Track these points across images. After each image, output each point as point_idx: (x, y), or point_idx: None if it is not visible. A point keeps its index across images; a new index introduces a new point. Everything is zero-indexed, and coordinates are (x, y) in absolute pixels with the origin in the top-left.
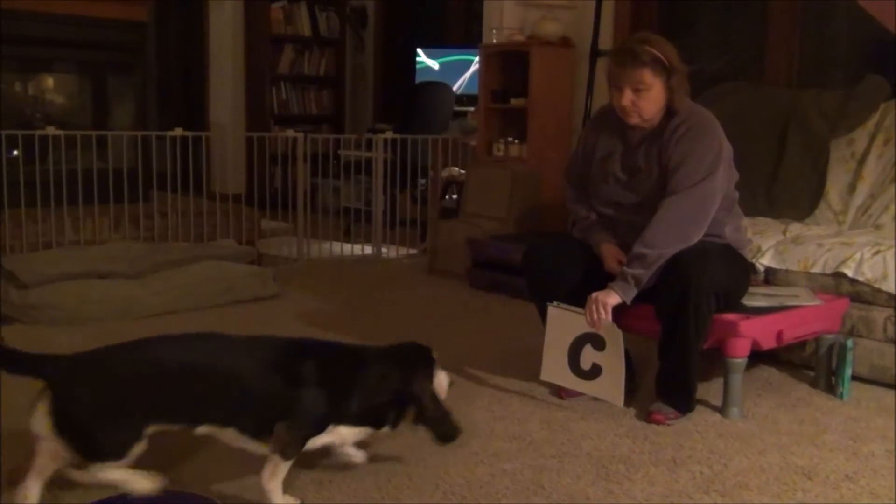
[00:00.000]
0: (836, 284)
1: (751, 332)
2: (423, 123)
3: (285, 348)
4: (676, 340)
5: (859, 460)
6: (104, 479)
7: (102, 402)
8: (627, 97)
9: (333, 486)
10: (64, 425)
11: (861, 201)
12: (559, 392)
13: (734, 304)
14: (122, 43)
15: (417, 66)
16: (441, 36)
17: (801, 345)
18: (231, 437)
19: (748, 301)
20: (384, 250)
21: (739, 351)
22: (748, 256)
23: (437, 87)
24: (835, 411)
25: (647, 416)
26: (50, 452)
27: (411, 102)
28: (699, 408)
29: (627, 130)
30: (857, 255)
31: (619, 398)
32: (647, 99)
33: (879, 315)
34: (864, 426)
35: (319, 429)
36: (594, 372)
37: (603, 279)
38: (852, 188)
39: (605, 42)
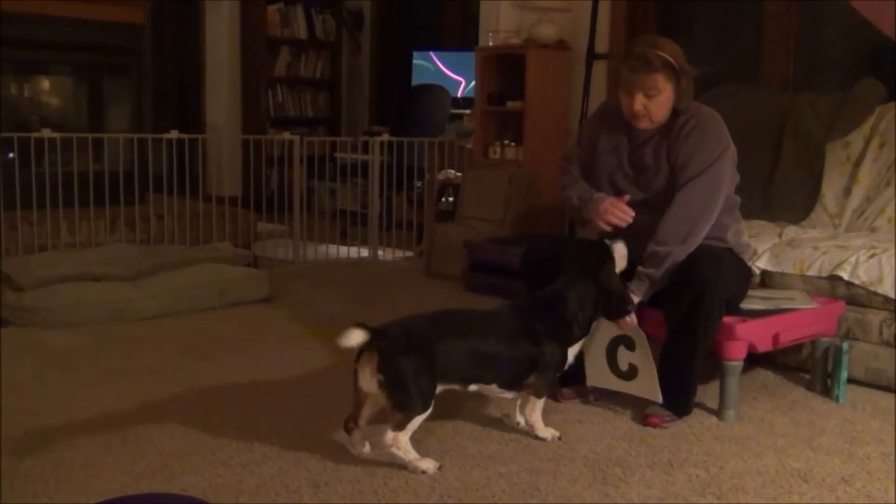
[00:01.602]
0: (832, 287)
1: (747, 335)
2: (420, 126)
3: (522, 315)
4: (683, 343)
5: (855, 463)
6: (405, 440)
7: (415, 364)
8: (639, 102)
9: (330, 489)
10: (388, 382)
11: (857, 204)
12: (556, 395)
13: (734, 310)
14: (117, 45)
15: (414, 69)
16: (437, 38)
17: (798, 348)
18: (492, 391)
19: (744, 304)
20: (380, 253)
21: (736, 354)
22: (747, 261)
23: (433, 90)
24: (831, 414)
25: (642, 419)
26: (371, 404)
27: (407, 105)
28: (695, 410)
29: (633, 129)
30: (853, 258)
31: (657, 394)
32: (658, 103)
33: (875, 318)
34: (861, 429)
35: (561, 367)
36: (632, 372)
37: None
38: (848, 191)
39: (602, 45)
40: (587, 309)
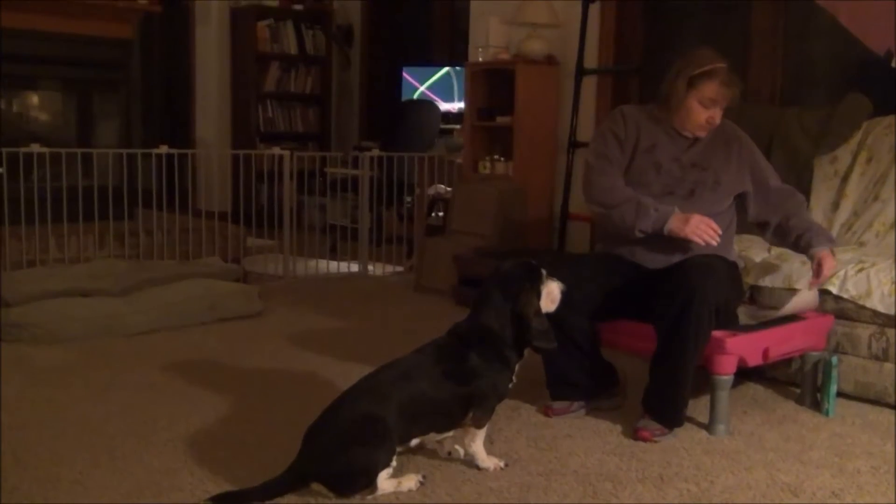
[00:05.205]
0: (821, 301)
1: (737, 350)
2: (409, 141)
3: (446, 356)
4: (673, 352)
5: (845, 477)
6: (384, 490)
7: (352, 467)
8: (718, 115)
9: None
10: (338, 491)
11: (845, 219)
12: (545, 410)
13: (725, 322)
14: (107, 60)
15: (404, 84)
16: (427, 54)
17: (787, 362)
18: (432, 437)
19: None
20: (370, 268)
21: (726, 368)
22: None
23: (422, 105)
24: (820, 428)
25: (633, 433)
26: None
27: (397, 120)
28: (686, 425)
29: (670, 129)
30: (842, 273)
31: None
32: (720, 114)
33: (864, 332)
34: (850, 443)
35: (504, 394)
36: None
37: (614, 290)
38: (836, 206)
39: (590, 60)
40: (509, 333)
